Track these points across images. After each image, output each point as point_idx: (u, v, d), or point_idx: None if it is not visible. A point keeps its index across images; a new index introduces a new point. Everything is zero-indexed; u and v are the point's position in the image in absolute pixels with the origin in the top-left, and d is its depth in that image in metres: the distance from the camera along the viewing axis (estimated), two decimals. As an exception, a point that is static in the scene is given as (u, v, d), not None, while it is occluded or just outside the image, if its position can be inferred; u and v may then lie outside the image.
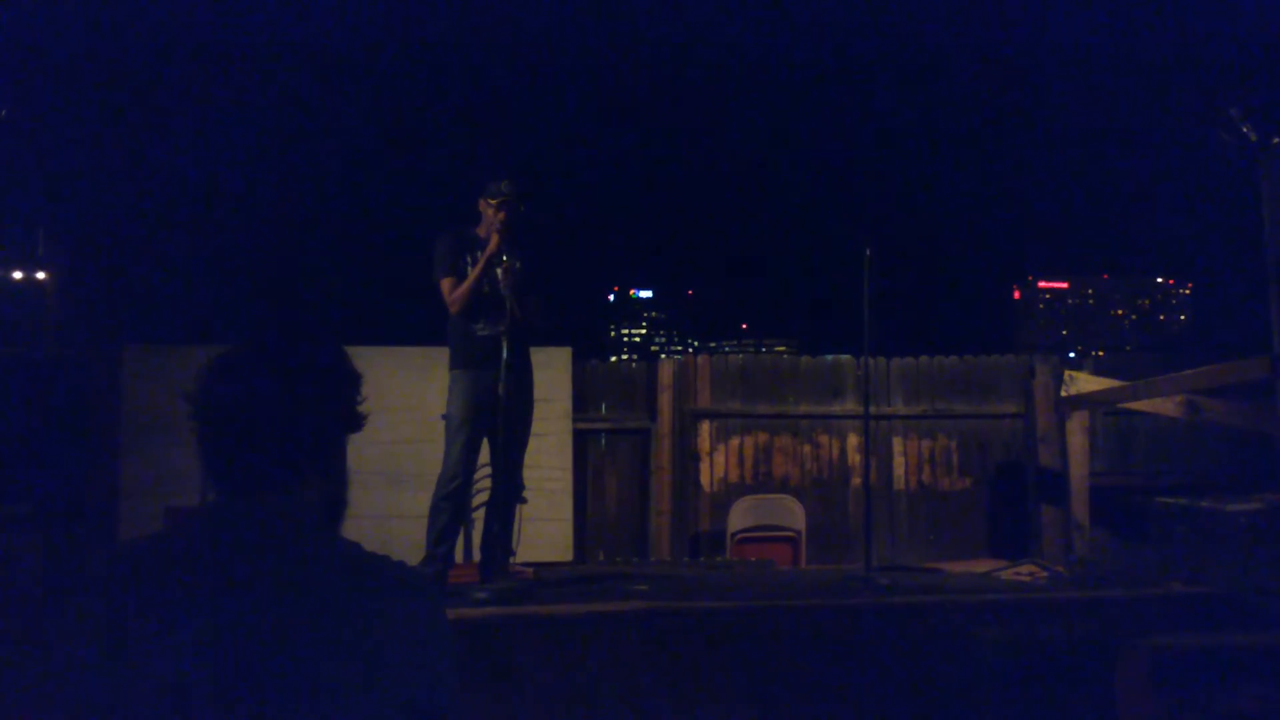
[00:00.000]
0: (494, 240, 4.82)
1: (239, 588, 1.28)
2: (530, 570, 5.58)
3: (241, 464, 1.40)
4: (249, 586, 1.29)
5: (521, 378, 4.87)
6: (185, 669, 1.23)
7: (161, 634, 1.25)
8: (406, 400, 6.65)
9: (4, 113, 6.02)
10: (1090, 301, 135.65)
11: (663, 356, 7.94)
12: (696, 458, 7.52)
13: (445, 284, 4.88)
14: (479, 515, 5.52)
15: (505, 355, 4.66)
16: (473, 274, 4.83)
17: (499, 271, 4.82)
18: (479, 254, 4.85)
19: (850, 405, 7.60)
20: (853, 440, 7.59)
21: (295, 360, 1.45)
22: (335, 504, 1.49)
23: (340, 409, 1.48)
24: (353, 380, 1.51)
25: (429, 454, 5.26)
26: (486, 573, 4.88)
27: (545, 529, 6.74)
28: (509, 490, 4.87)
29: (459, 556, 5.40)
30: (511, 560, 4.99)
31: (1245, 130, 6.01)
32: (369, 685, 1.27)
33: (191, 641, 1.25)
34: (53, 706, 1.29)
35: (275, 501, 1.38)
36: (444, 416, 4.94)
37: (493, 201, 4.90)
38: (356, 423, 1.50)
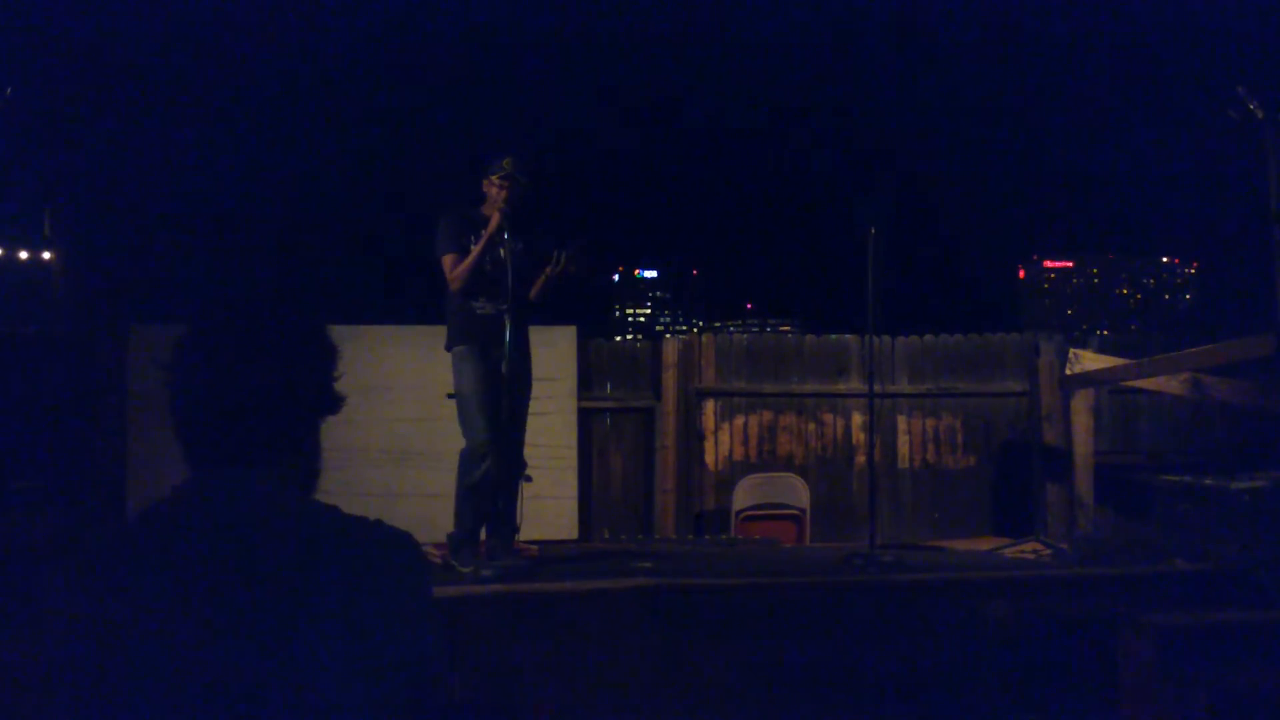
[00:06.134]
0: (495, 218, 4.82)
1: (213, 561, 1.27)
2: (535, 548, 5.60)
3: (212, 441, 1.38)
4: (223, 560, 1.27)
5: (522, 356, 4.88)
6: (168, 644, 1.23)
7: (143, 613, 1.25)
8: (410, 379, 6.66)
9: (10, 91, 6.02)
10: (1095, 281, 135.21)
11: (667, 335, 7.94)
12: (701, 436, 7.53)
13: (447, 260, 4.88)
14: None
15: (508, 334, 4.67)
16: (475, 251, 4.83)
17: (501, 250, 4.82)
18: (482, 232, 4.85)
19: (855, 384, 7.60)
20: (857, 419, 7.60)
21: (266, 334, 1.40)
22: (309, 477, 1.46)
23: (315, 385, 1.42)
24: (327, 354, 1.44)
25: (433, 432, 5.29)
26: (491, 551, 4.90)
27: (550, 507, 6.76)
28: (513, 468, 4.89)
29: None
30: (516, 538, 5.00)
31: (1252, 108, 5.99)
32: (354, 646, 1.26)
33: (172, 614, 1.24)
34: (54, 695, 1.29)
35: (247, 475, 1.36)
36: (451, 396, 4.94)
37: (495, 179, 4.91)
38: (333, 404, 1.44)
